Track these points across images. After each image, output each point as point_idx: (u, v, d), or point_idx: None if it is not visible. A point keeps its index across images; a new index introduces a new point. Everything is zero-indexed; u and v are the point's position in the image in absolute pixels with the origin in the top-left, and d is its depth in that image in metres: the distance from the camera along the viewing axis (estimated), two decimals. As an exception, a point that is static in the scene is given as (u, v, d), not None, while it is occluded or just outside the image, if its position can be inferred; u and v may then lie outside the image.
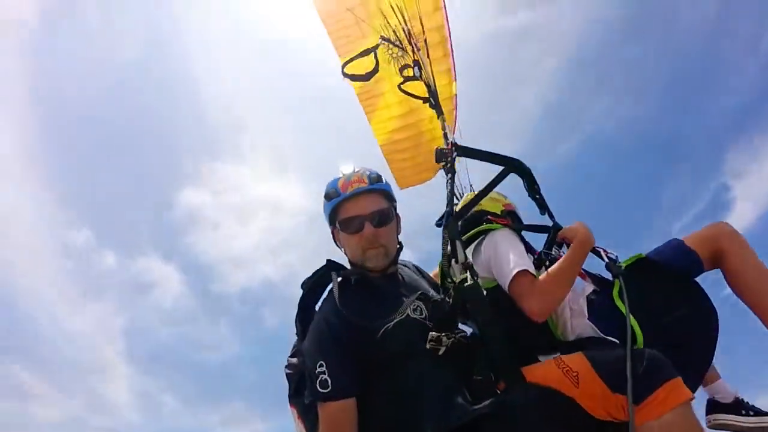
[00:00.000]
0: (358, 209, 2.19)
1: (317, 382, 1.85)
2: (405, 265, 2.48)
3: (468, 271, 2.07)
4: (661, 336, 1.99)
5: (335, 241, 2.36)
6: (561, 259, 2.21)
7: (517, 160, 2.48)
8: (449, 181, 2.47)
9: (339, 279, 2.15)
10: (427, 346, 1.89)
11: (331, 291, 2.11)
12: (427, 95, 3.16)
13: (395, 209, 2.33)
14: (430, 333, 1.91)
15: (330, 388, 1.84)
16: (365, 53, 3.12)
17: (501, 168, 2.55)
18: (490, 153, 2.51)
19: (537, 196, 2.55)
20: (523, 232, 2.65)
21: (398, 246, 2.32)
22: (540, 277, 2.14)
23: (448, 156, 2.52)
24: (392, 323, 1.96)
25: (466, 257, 2.16)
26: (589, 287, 2.34)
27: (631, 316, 1.98)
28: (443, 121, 2.82)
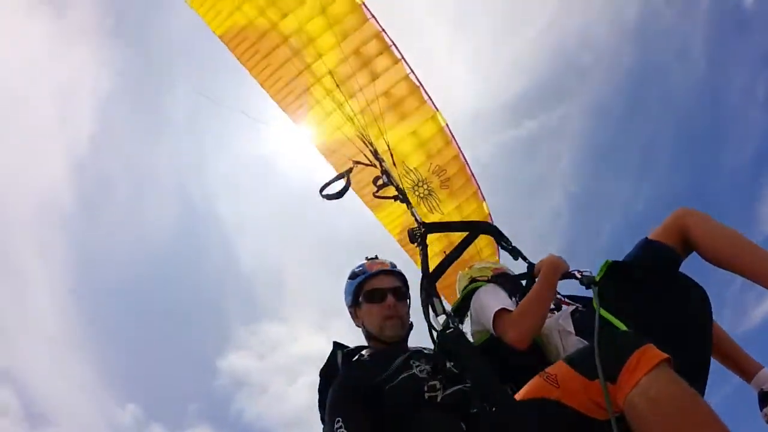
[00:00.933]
0: (383, 283, 2.51)
1: None
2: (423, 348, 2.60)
3: (448, 319, 2.30)
4: (649, 330, 1.84)
5: (354, 319, 2.62)
6: (531, 290, 2.33)
7: (482, 222, 2.78)
8: (422, 252, 2.79)
9: (349, 357, 2.38)
10: (426, 396, 2.03)
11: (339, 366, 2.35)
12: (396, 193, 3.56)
13: (409, 294, 2.66)
14: (427, 384, 2.05)
15: None
16: (339, 177, 3.45)
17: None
18: (457, 223, 2.98)
19: (509, 248, 2.86)
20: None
21: (410, 323, 2.58)
22: (517, 307, 2.29)
23: (417, 234, 2.90)
24: (398, 379, 2.09)
25: (443, 309, 2.38)
26: (572, 307, 2.42)
27: (611, 316, 2.03)
28: (411, 208, 3.23)
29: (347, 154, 4.29)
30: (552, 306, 2.42)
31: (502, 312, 2.29)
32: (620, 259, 2.34)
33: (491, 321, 2.29)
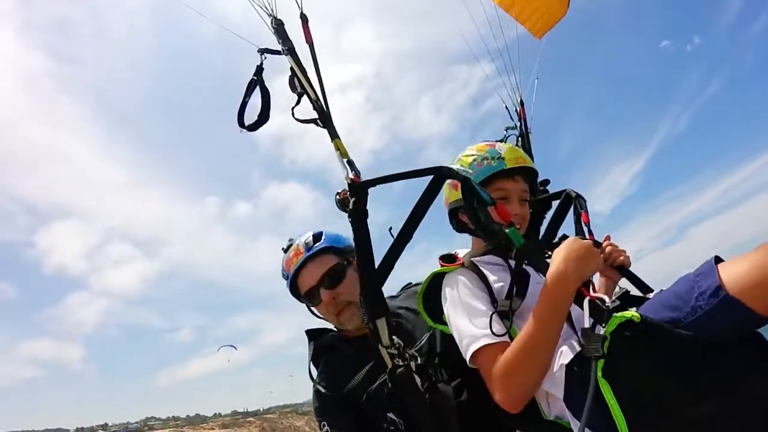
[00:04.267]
0: (308, 281, 2.13)
1: None
2: (407, 307, 2.23)
3: (397, 355, 1.71)
4: None
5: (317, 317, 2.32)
6: (526, 324, 1.49)
7: (444, 168, 1.75)
8: (357, 230, 1.73)
9: (315, 345, 2.24)
10: (385, 427, 1.91)
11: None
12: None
13: (351, 257, 2.16)
14: (387, 415, 1.90)
15: None
16: (250, 89, 2.14)
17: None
18: (410, 171, 1.75)
19: (480, 223, 1.70)
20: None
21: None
22: (499, 360, 1.53)
23: (348, 199, 1.73)
24: (353, 388, 1.97)
25: (391, 340, 1.70)
26: (568, 351, 1.47)
27: (613, 397, 1.30)
28: (337, 146, 1.90)
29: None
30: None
31: (481, 353, 1.57)
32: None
33: (468, 361, 1.63)
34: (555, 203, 2.20)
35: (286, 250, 2.20)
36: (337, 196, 1.77)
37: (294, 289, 2.20)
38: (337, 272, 2.12)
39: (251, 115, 2.13)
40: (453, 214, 2.01)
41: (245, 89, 2.11)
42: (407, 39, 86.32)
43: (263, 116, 2.09)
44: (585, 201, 2.06)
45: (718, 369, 1.25)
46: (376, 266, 1.72)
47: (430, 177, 1.71)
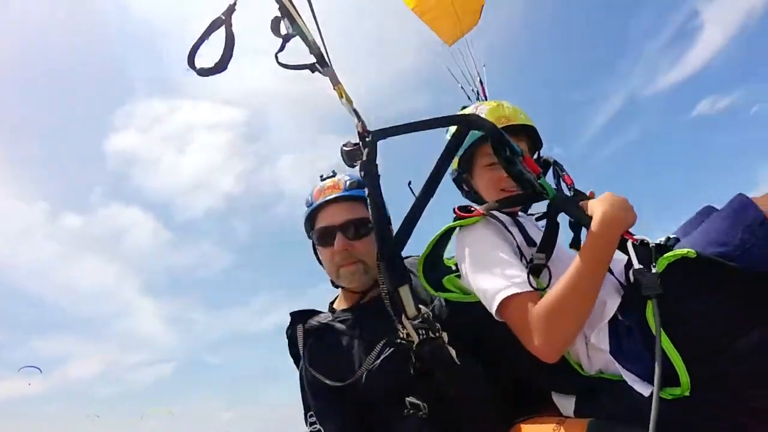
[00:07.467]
0: (330, 219, 1.92)
1: None
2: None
3: (426, 328, 1.49)
4: (723, 377, 1.27)
5: (317, 258, 2.09)
6: (570, 267, 1.42)
7: (472, 116, 1.64)
8: (371, 188, 1.54)
9: (305, 328, 2.00)
10: (405, 413, 1.67)
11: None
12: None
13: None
14: (406, 399, 1.67)
15: None
16: (213, 28, 1.76)
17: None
18: (429, 120, 1.61)
19: (513, 169, 1.60)
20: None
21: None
22: (539, 303, 1.43)
23: (359, 153, 1.55)
24: (364, 374, 1.73)
25: (418, 310, 1.49)
26: (613, 301, 1.46)
27: (671, 345, 1.27)
28: (341, 93, 1.65)
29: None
30: None
31: (512, 300, 1.46)
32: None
33: (494, 312, 1.49)
34: None
35: (323, 178, 2.02)
36: (345, 148, 1.58)
37: (310, 220, 2.00)
38: (364, 225, 1.92)
39: (205, 59, 1.79)
40: (458, 182, 1.96)
41: (206, 28, 1.75)
42: (300, 83, 79.15)
43: (222, 63, 1.74)
44: (563, 166, 1.93)
45: None
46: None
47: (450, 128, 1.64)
